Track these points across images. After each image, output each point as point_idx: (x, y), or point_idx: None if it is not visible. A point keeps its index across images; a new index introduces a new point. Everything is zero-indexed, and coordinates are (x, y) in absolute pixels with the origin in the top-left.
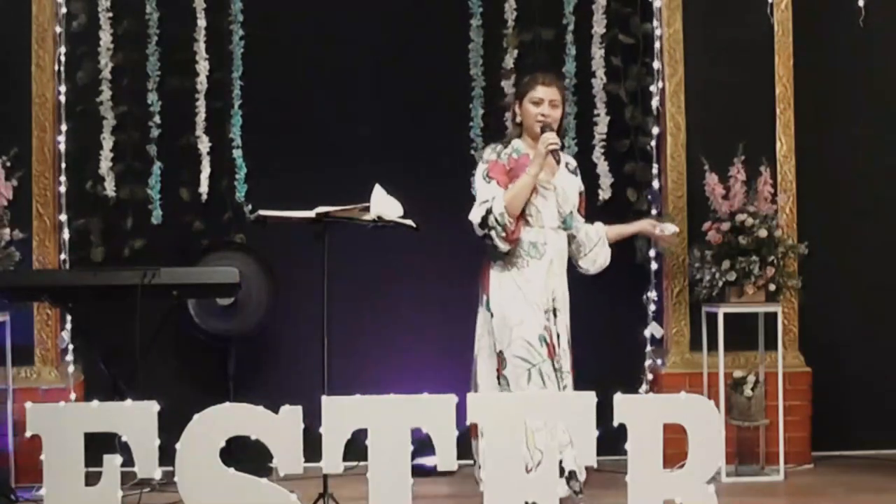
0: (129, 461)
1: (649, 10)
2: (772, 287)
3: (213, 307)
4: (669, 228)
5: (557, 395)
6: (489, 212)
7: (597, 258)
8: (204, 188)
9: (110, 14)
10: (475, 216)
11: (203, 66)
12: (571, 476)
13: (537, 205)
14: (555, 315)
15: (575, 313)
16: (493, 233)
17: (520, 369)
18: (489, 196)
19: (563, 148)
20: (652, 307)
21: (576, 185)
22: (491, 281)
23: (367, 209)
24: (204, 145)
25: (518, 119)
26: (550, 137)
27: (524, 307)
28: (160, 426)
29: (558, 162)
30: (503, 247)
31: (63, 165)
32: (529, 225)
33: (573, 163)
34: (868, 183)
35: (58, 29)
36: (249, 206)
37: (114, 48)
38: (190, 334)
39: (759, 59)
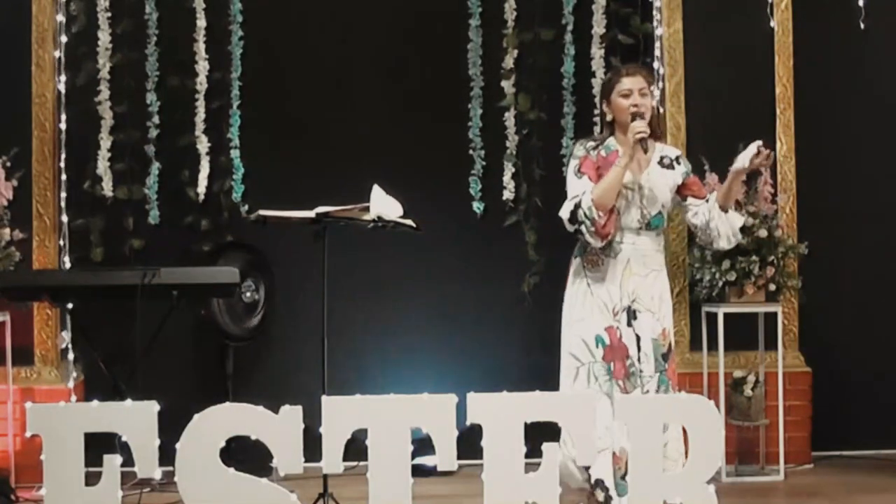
0: (129, 461)
1: (649, 10)
2: (772, 287)
3: (238, 307)
4: (746, 155)
5: (557, 395)
6: (577, 206)
7: (719, 235)
8: (202, 188)
9: (109, 14)
10: (564, 212)
11: (203, 66)
12: (598, 484)
13: (618, 206)
14: (632, 316)
15: None
16: (583, 227)
17: (570, 367)
18: (579, 191)
19: (600, 143)
20: None
21: (669, 180)
22: (569, 277)
23: (366, 209)
24: (203, 145)
25: (609, 117)
26: (638, 126)
27: (589, 305)
28: (160, 426)
29: (646, 151)
30: (595, 242)
31: (63, 165)
32: None
33: (672, 154)
34: (868, 183)
35: (57, 29)
36: (246, 207)
37: (113, 48)
38: (204, 335)
39: (759, 59)
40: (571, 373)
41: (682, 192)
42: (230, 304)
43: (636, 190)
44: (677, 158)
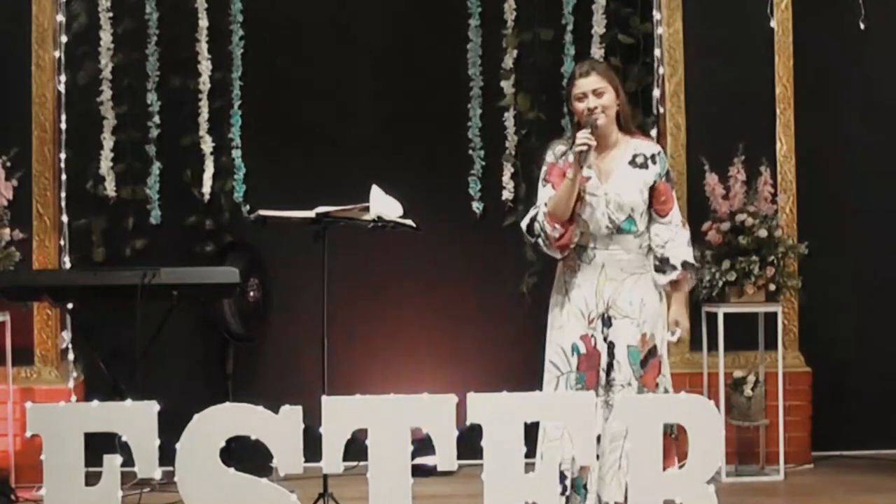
0: (129, 461)
1: (649, 10)
2: (772, 287)
3: (246, 308)
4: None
5: (556, 395)
6: (533, 219)
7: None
8: (206, 188)
9: (110, 14)
10: (523, 223)
11: (205, 66)
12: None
13: (584, 215)
14: (607, 324)
15: None
16: (539, 240)
17: (550, 375)
18: (540, 201)
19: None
20: None
21: (639, 182)
22: (554, 282)
23: (367, 209)
24: (207, 145)
25: (576, 119)
26: (581, 136)
27: (567, 312)
28: (160, 426)
29: (581, 166)
30: (554, 254)
31: (63, 165)
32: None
33: (648, 151)
34: (868, 183)
35: (58, 29)
36: (248, 207)
37: (114, 48)
38: (205, 335)
39: (759, 60)
40: (552, 382)
41: (649, 196)
42: (239, 304)
43: (601, 197)
44: (653, 157)
